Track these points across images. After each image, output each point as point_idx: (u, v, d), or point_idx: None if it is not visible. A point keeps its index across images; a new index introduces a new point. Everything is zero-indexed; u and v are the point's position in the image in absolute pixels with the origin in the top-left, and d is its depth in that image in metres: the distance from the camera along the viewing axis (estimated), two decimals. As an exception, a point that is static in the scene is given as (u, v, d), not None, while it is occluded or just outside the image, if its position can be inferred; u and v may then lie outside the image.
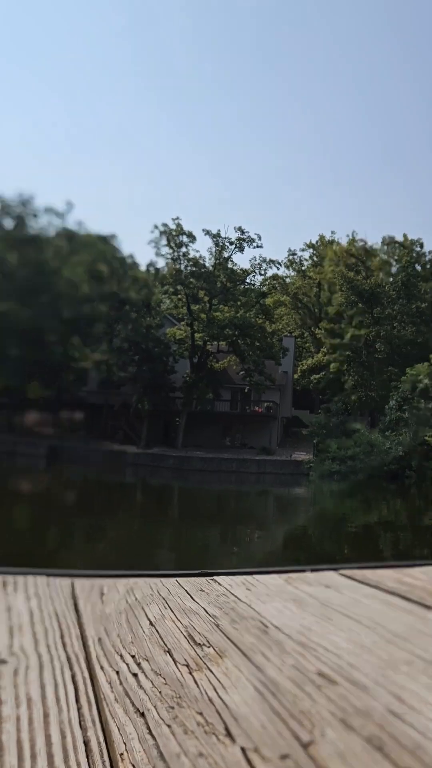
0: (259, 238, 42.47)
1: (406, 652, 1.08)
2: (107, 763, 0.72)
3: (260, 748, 0.75)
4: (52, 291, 40.23)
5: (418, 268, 50.99)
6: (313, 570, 1.80)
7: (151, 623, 1.26)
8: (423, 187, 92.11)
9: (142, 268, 47.42)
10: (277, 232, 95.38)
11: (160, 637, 1.17)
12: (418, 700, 0.88)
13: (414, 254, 51.04)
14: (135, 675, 0.98)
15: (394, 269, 51.08)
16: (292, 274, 60.74)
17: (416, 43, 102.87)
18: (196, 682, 0.95)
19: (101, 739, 0.77)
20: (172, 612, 1.34)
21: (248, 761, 0.72)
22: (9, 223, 41.19)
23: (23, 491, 19.60)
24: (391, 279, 50.11)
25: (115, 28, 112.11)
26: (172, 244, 41.96)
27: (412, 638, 1.16)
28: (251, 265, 42.98)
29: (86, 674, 0.98)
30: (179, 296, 42.35)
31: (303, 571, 1.79)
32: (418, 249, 51.41)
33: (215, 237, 42.54)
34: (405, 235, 51.90)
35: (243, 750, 0.74)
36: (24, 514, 16.91)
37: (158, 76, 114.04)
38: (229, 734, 0.78)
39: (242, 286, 42.62)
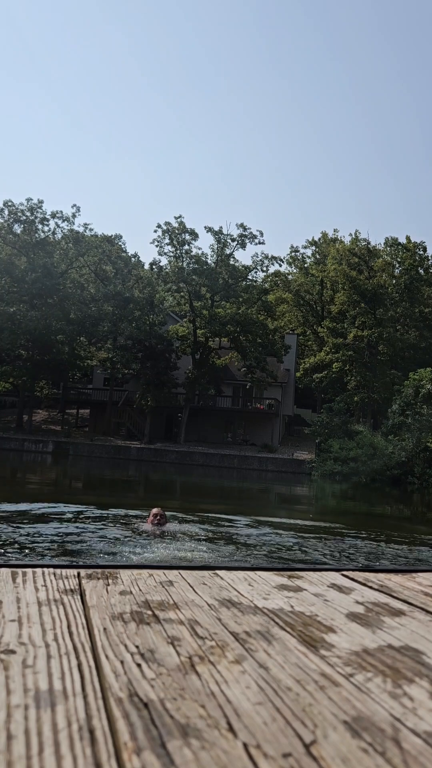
0: (261, 234, 42.41)
1: (409, 657, 1.09)
2: (111, 751, 0.73)
3: (262, 744, 0.75)
4: (60, 293, 40.46)
5: (421, 272, 50.88)
6: (315, 570, 1.80)
7: (154, 614, 1.27)
8: (424, 190, 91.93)
9: (146, 266, 47.52)
10: (279, 229, 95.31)
11: (164, 628, 1.18)
12: (421, 706, 0.88)
13: (417, 257, 50.92)
14: (139, 665, 0.99)
15: (396, 271, 50.96)
16: (295, 271, 60.60)
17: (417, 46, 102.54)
18: (198, 674, 0.96)
19: (106, 727, 0.78)
20: (175, 604, 1.36)
21: (250, 757, 0.72)
22: (18, 228, 41.49)
23: (29, 487, 19.67)
24: (394, 281, 49.98)
25: (118, 27, 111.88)
26: (175, 242, 41.92)
27: (414, 643, 1.16)
28: (253, 262, 42.93)
29: (92, 663, 1.00)
30: (182, 293, 42.32)
31: (305, 570, 1.79)
32: (421, 252, 51.28)
33: (217, 234, 42.47)
34: (408, 237, 51.77)
35: (245, 745, 0.75)
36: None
37: (164, 76, 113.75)
38: (231, 729, 0.79)
39: (244, 283, 42.54)
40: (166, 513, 8.72)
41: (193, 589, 1.49)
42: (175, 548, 7.06)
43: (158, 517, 8.19)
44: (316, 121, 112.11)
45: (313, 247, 61.12)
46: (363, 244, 52.62)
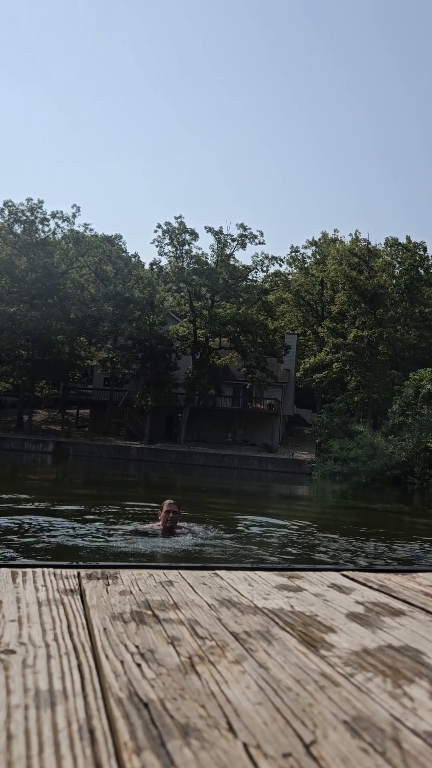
0: (261, 234, 42.40)
1: (409, 657, 1.09)
2: (111, 751, 0.73)
3: (262, 744, 0.75)
4: (60, 293, 40.49)
5: (422, 272, 50.87)
6: (315, 570, 1.80)
7: (154, 614, 1.27)
8: (424, 190, 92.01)
9: (146, 266, 47.52)
10: (279, 229, 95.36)
11: (164, 628, 1.18)
12: (421, 706, 0.88)
13: (417, 258, 50.91)
14: (139, 665, 0.99)
15: (397, 271, 50.96)
16: (295, 271, 60.58)
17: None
18: (198, 674, 0.96)
19: (106, 727, 0.78)
20: (175, 604, 1.36)
21: (250, 757, 0.72)
22: (18, 229, 41.51)
23: (28, 487, 19.71)
24: (394, 281, 49.97)
25: (118, 27, 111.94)
26: (175, 243, 41.93)
27: (414, 643, 1.16)
28: (253, 262, 42.93)
29: (92, 663, 0.99)
30: (182, 294, 42.31)
31: (305, 570, 1.79)
32: (421, 253, 51.27)
33: (217, 234, 42.47)
34: (408, 238, 51.76)
35: (245, 745, 0.75)
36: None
37: (164, 76, 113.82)
38: (231, 729, 0.79)
39: (244, 283, 42.53)
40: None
41: (193, 589, 1.49)
42: (177, 547, 7.06)
43: (171, 514, 7.53)
44: (316, 122, 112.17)
45: (313, 247, 61.11)
46: (363, 244, 52.59)
